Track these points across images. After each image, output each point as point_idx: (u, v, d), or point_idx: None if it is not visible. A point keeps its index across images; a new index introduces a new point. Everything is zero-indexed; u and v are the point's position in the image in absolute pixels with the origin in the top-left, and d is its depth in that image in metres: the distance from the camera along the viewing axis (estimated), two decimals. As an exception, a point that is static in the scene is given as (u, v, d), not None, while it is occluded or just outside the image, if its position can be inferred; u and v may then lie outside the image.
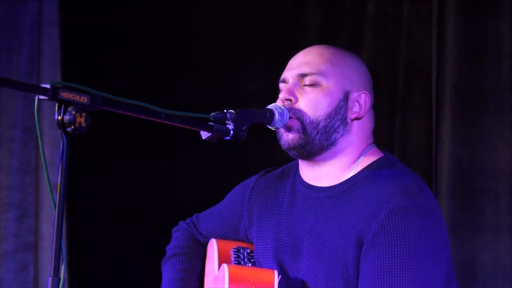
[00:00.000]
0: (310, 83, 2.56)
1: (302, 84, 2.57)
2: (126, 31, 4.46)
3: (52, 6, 4.35)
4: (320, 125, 2.53)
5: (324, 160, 2.58)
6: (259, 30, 4.44)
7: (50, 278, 2.00)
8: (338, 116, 2.56)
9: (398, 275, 2.36)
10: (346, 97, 2.57)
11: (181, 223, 2.97)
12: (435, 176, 3.89)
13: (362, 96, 2.59)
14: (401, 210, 2.40)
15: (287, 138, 2.55)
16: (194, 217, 2.95)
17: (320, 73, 2.56)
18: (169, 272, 2.82)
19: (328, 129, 2.54)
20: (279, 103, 2.56)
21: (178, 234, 2.93)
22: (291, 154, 2.59)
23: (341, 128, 2.56)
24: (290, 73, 2.60)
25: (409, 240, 2.37)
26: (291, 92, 2.56)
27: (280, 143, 2.58)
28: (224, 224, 2.84)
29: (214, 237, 2.84)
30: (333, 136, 2.55)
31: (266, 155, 3.97)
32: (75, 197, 4.28)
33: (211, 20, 4.47)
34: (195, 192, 4.39)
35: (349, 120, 2.57)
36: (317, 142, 2.54)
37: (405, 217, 2.39)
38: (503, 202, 3.78)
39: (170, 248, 2.90)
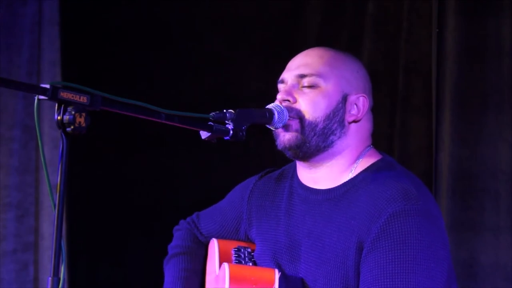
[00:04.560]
0: (309, 84, 2.55)
1: (301, 85, 2.56)
2: (126, 31, 4.46)
3: (52, 6, 4.35)
4: (319, 126, 2.53)
5: (321, 161, 2.57)
6: (259, 30, 4.44)
7: (50, 278, 2.00)
8: (336, 118, 2.55)
9: (399, 279, 2.35)
10: (344, 99, 2.56)
11: (182, 222, 2.96)
12: (435, 176, 3.89)
13: (361, 99, 2.58)
14: (400, 214, 2.39)
15: (284, 138, 2.54)
16: (194, 215, 2.95)
17: (319, 75, 2.55)
18: (172, 271, 2.81)
19: (325, 131, 2.54)
20: (277, 103, 2.55)
21: (180, 233, 2.93)
22: (287, 155, 2.58)
23: (339, 130, 2.55)
24: (288, 74, 2.60)
25: (409, 244, 2.37)
26: (289, 93, 2.55)
27: (276, 143, 2.57)
28: (225, 225, 2.84)
29: (215, 237, 2.84)
30: (330, 138, 2.54)
31: (266, 155, 3.96)
32: (75, 197, 4.28)
33: (211, 20, 4.47)
34: (195, 192, 4.38)
35: (346, 123, 2.57)
36: (314, 144, 2.53)
37: (404, 221, 2.39)
38: (503, 202, 3.78)
39: (172, 247, 2.90)
